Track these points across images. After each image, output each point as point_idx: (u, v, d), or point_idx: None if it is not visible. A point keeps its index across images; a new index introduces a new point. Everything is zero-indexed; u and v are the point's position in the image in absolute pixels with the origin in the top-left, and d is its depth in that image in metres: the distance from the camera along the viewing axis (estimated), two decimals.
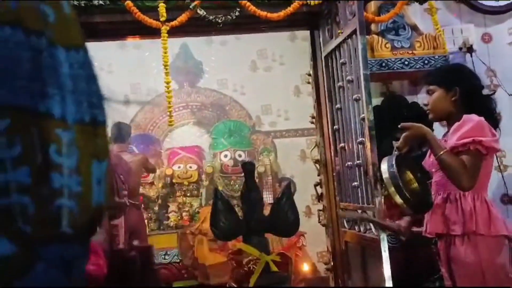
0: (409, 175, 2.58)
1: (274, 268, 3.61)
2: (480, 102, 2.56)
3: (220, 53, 6.48)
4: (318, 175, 4.04)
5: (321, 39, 3.71)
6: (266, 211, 3.86)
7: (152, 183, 5.91)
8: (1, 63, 0.52)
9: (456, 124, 2.47)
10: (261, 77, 6.59)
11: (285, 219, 3.64)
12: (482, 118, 2.42)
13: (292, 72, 6.19)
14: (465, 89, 2.53)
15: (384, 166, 2.49)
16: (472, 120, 2.41)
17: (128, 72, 6.20)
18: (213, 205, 3.62)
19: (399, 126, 2.53)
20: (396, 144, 2.53)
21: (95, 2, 3.18)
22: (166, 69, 3.24)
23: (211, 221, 3.55)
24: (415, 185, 2.56)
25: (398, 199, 2.44)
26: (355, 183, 3.21)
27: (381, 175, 2.53)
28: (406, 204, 2.44)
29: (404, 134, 2.48)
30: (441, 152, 2.37)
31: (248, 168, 3.72)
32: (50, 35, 0.57)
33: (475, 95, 2.57)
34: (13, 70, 0.53)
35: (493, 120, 2.55)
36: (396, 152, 2.51)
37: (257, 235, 3.65)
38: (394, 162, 2.46)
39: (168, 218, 5.81)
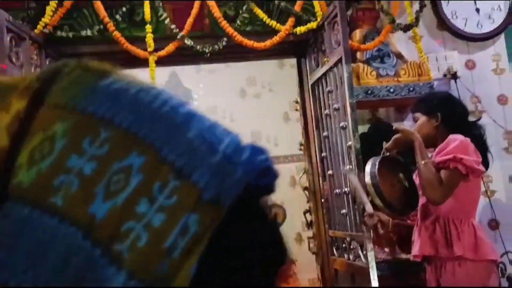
0: (400, 176, 2.59)
1: None
2: (465, 127, 2.60)
3: (209, 80, 6.51)
4: (308, 202, 4.05)
5: (308, 67, 3.75)
6: None
7: None
8: None
9: (441, 144, 2.50)
10: (250, 104, 6.62)
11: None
12: (468, 139, 2.45)
13: (281, 98, 6.23)
14: (447, 115, 2.58)
15: (367, 168, 2.52)
16: (456, 139, 2.45)
17: None
18: None
19: (393, 128, 2.58)
20: (385, 145, 2.55)
21: (83, 33, 3.20)
22: None
23: None
24: (406, 183, 2.57)
25: (377, 201, 2.46)
26: (344, 210, 3.21)
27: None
28: (385, 206, 2.45)
29: (394, 136, 2.54)
30: (422, 162, 2.42)
31: None
32: None
33: (459, 121, 2.61)
34: None
35: (481, 145, 2.58)
36: (384, 154, 2.54)
37: None
38: (378, 162, 2.48)
39: None
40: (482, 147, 2.56)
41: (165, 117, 0.57)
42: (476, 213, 2.62)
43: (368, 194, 2.53)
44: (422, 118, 2.62)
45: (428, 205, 2.55)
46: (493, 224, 3.72)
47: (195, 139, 0.56)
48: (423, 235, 2.54)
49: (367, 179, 2.47)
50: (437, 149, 2.51)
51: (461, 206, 2.44)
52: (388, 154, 2.55)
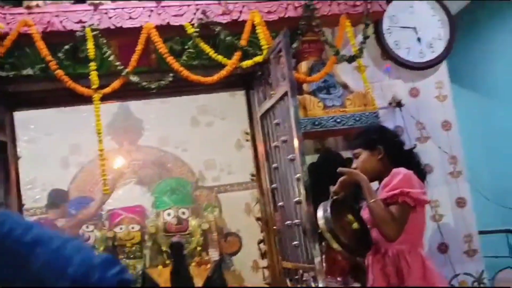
0: (350, 217, 2.61)
1: None
2: (404, 157, 2.67)
3: (160, 110, 6.46)
4: (261, 232, 4.03)
5: (256, 99, 3.77)
6: None
7: (93, 247, 5.72)
8: None
9: (386, 178, 2.55)
10: (202, 133, 6.60)
11: None
12: (410, 171, 2.51)
13: (233, 126, 6.22)
14: (388, 147, 2.64)
15: (319, 213, 2.52)
16: (400, 172, 2.50)
17: (66, 133, 6.09)
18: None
19: (337, 170, 2.58)
20: (332, 188, 2.56)
21: (24, 72, 3.13)
22: (100, 136, 3.19)
23: None
24: (355, 224, 2.58)
25: (334, 244, 2.45)
26: (295, 242, 3.20)
27: (317, 223, 2.54)
28: (343, 248, 2.45)
29: (340, 179, 2.56)
30: (372, 200, 2.44)
31: (176, 247, 3.63)
32: None
33: (399, 151, 2.67)
34: None
35: (420, 172, 2.65)
36: (332, 197, 2.54)
37: None
38: (329, 208, 2.48)
39: None
40: (421, 174, 2.63)
41: (10, 252, 0.55)
42: (423, 241, 2.67)
43: (324, 239, 2.54)
44: (364, 154, 2.67)
45: (378, 239, 2.58)
46: (443, 248, 3.79)
47: (42, 268, 0.54)
48: (375, 268, 2.57)
49: (321, 224, 2.48)
50: (382, 184, 2.55)
51: (409, 237, 2.48)
52: (336, 197, 2.56)
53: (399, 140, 2.75)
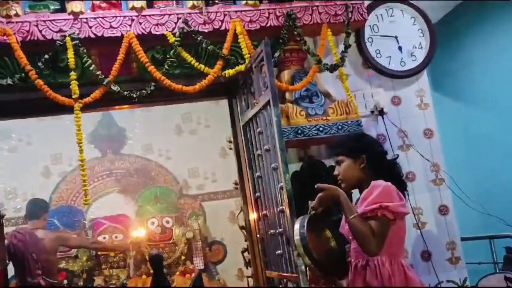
0: (327, 233, 2.59)
1: None
2: (386, 167, 2.67)
3: (143, 118, 6.44)
4: (245, 241, 4.01)
5: (239, 108, 3.77)
6: None
7: (76, 257, 5.67)
8: None
9: (365, 190, 2.54)
10: (186, 141, 6.59)
11: None
12: (389, 183, 2.50)
13: (217, 134, 6.20)
14: (371, 156, 2.64)
15: (296, 226, 2.49)
16: (379, 185, 2.49)
17: (48, 142, 6.03)
18: None
19: (315, 186, 2.57)
20: (311, 204, 2.55)
21: (3, 82, 3.09)
22: (80, 146, 3.15)
23: None
24: (333, 243, 2.56)
25: (306, 261, 2.44)
26: (279, 251, 3.20)
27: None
28: (315, 266, 2.43)
29: (319, 195, 2.53)
30: (351, 217, 2.43)
31: (155, 260, 3.61)
32: None
33: (381, 161, 2.67)
34: None
35: (400, 183, 2.65)
36: (310, 213, 2.52)
37: None
38: (305, 224, 2.46)
39: None
40: (402, 186, 2.63)
41: None
42: (404, 250, 2.66)
43: (298, 254, 2.52)
44: (347, 161, 2.66)
45: (359, 249, 2.57)
46: (426, 256, 3.80)
47: None
48: (357, 278, 2.56)
49: (296, 239, 2.45)
50: (361, 197, 2.54)
51: (390, 248, 2.48)
52: (314, 212, 2.54)
53: (381, 149, 2.75)
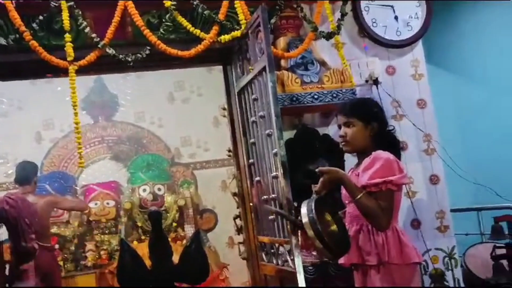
0: (328, 216, 2.59)
1: None
2: (389, 137, 2.68)
3: (136, 85, 6.41)
4: (237, 208, 4.05)
5: (234, 75, 3.76)
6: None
7: (67, 222, 5.70)
8: None
9: (366, 161, 2.55)
10: (179, 109, 6.58)
11: (194, 268, 3.59)
12: (390, 155, 2.51)
13: (210, 103, 6.21)
14: (380, 125, 2.64)
15: (304, 210, 2.45)
16: (381, 158, 2.49)
17: (40, 107, 6.00)
18: (120, 256, 3.52)
19: (316, 170, 2.55)
20: (314, 188, 2.53)
21: None
22: (75, 109, 3.14)
23: (118, 272, 3.45)
24: (334, 227, 2.57)
25: (318, 244, 2.41)
26: (271, 216, 3.23)
27: (301, 219, 2.51)
28: (326, 249, 2.41)
29: (321, 179, 2.51)
30: (359, 196, 2.44)
31: (154, 217, 3.65)
32: None
33: (385, 131, 2.68)
34: None
35: (398, 152, 2.68)
36: (314, 196, 2.51)
37: (166, 285, 3.57)
38: (313, 207, 2.43)
39: (85, 257, 5.61)
40: (398, 154, 2.66)
41: None
42: (397, 217, 2.70)
43: (308, 237, 2.50)
44: (357, 125, 2.63)
45: (354, 214, 2.61)
46: (415, 224, 3.86)
47: None
48: (351, 243, 2.60)
49: (305, 222, 2.43)
50: (362, 167, 2.54)
51: None
52: (318, 196, 2.53)
53: (387, 120, 2.76)
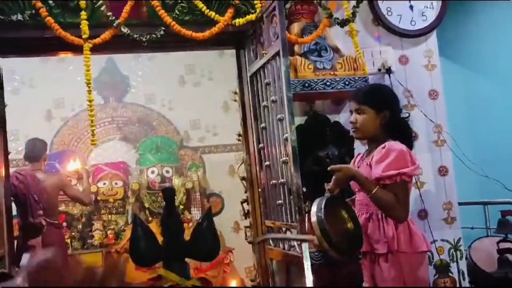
0: (343, 214, 2.58)
1: None
2: (402, 125, 2.67)
3: (147, 67, 6.42)
4: (245, 192, 4.06)
5: (246, 59, 3.76)
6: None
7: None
8: None
9: (379, 151, 2.53)
10: (189, 92, 6.58)
11: (205, 245, 3.62)
12: (403, 147, 2.51)
13: (220, 87, 6.21)
14: (392, 113, 2.63)
15: (313, 209, 2.46)
16: (394, 150, 2.49)
17: (51, 86, 6.02)
18: (132, 231, 3.55)
19: (328, 169, 2.55)
20: (327, 186, 2.53)
21: (14, 18, 3.08)
22: (89, 87, 3.17)
23: (130, 247, 3.49)
24: (349, 224, 2.56)
25: (324, 244, 2.41)
26: (280, 201, 3.25)
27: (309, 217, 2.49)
28: (333, 249, 2.42)
29: (334, 177, 2.50)
30: (374, 190, 2.44)
31: (167, 193, 3.68)
32: None
33: (399, 119, 2.68)
34: None
35: (410, 142, 2.68)
36: (327, 194, 2.51)
37: (177, 261, 3.61)
38: (323, 206, 2.44)
39: (92, 236, 5.66)
40: (410, 143, 2.65)
41: None
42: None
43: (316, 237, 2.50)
44: (369, 112, 2.63)
45: (364, 202, 2.62)
46: (422, 214, 3.87)
47: None
48: None
49: (314, 221, 2.43)
50: (375, 159, 2.53)
51: None
52: (331, 194, 2.53)
53: (400, 108, 2.74)
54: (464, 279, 3.94)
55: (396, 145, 2.51)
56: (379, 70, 3.84)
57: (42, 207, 4.62)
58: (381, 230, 2.55)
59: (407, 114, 2.78)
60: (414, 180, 3.78)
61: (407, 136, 2.66)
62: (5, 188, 3.33)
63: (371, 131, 2.63)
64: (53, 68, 5.99)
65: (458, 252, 3.93)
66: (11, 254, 3.25)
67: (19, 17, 3.08)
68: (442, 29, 4.18)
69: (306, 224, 3.00)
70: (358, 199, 2.71)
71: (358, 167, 2.69)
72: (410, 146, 2.64)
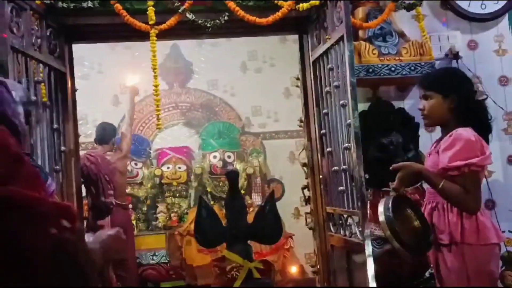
0: (409, 212, 2.55)
1: (256, 275, 3.64)
2: (475, 109, 2.54)
3: (210, 54, 6.49)
4: (306, 178, 4.06)
5: (309, 44, 3.73)
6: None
7: (141, 183, 5.92)
8: None
9: (446, 140, 2.45)
10: (251, 79, 6.60)
11: (267, 228, 3.65)
12: (472, 135, 2.40)
13: (282, 74, 6.20)
14: (461, 97, 2.50)
15: (381, 209, 2.45)
16: (461, 139, 2.38)
17: (118, 72, 6.20)
18: (197, 212, 3.63)
19: (390, 168, 2.50)
20: (392, 185, 2.49)
21: (84, 5, 3.19)
22: (155, 72, 3.25)
23: (195, 228, 3.56)
24: (416, 222, 2.53)
25: (395, 244, 2.39)
26: (341, 187, 3.23)
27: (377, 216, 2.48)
28: (404, 248, 2.40)
29: (398, 175, 2.45)
30: (441, 184, 2.37)
31: (231, 176, 3.73)
32: None
33: (470, 102, 2.54)
34: None
35: (486, 127, 2.54)
36: (392, 193, 2.48)
37: (240, 243, 3.66)
38: (390, 205, 2.42)
39: (156, 218, 5.82)
40: (486, 129, 2.53)
41: None
42: None
43: (385, 237, 2.49)
44: (436, 98, 2.53)
45: (431, 190, 2.55)
46: (490, 204, 3.75)
47: None
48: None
49: (382, 221, 2.40)
50: (442, 147, 2.45)
51: None
52: (397, 193, 2.49)
53: (473, 90, 2.61)
54: None
55: (464, 134, 2.40)
56: (446, 55, 3.74)
57: (113, 187, 4.81)
58: (446, 220, 2.48)
59: (485, 96, 2.64)
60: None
61: (483, 121, 2.53)
62: (75, 169, 3.48)
63: (439, 117, 2.54)
64: (120, 54, 6.15)
65: None
66: (83, 233, 3.39)
67: (89, 4, 3.18)
68: None
69: (368, 211, 2.98)
70: (427, 187, 2.66)
71: (429, 155, 2.63)
72: (487, 131, 2.53)
